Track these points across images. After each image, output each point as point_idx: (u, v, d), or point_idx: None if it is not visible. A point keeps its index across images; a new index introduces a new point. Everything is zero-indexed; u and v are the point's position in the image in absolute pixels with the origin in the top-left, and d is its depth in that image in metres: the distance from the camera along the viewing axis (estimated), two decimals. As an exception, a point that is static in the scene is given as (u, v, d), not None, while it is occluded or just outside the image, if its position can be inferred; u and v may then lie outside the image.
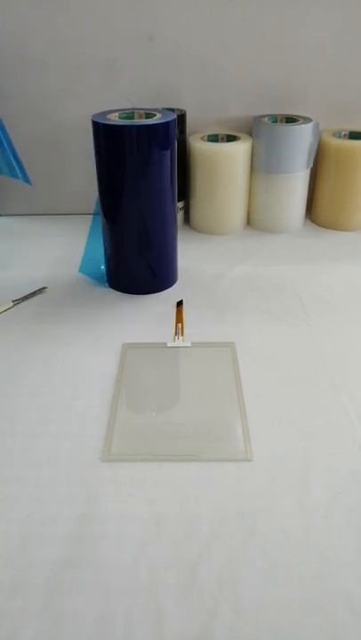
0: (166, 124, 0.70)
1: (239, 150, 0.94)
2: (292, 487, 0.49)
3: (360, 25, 0.93)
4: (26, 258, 0.93)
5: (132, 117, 0.73)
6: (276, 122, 0.97)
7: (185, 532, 0.45)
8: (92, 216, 0.82)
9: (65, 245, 0.95)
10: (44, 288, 0.82)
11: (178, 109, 0.96)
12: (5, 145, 0.83)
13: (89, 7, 0.91)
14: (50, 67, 0.95)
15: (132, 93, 0.95)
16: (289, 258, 0.91)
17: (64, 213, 1.07)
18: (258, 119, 0.96)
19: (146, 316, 0.75)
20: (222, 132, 1.00)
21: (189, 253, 0.90)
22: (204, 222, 1.01)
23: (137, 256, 0.78)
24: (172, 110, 0.92)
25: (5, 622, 0.39)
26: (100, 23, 0.92)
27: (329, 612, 0.40)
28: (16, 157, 0.85)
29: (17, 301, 0.78)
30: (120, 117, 0.72)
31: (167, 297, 0.80)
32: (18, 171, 0.85)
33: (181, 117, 0.95)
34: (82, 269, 0.83)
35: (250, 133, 0.98)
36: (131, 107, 0.79)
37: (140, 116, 0.73)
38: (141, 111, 0.74)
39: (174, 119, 0.71)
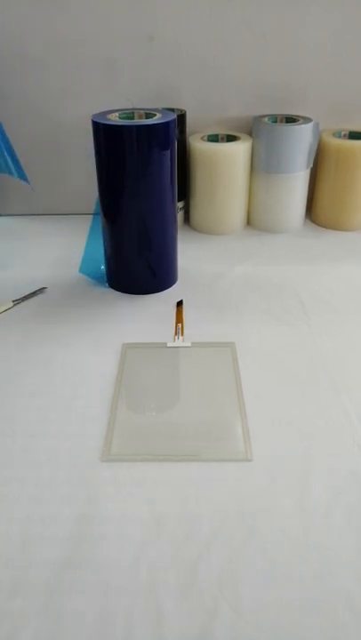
0: (166, 124, 0.70)
1: (239, 150, 0.94)
2: (292, 487, 0.49)
3: (360, 25, 0.93)
4: (26, 258, 0.93)
5: (132, 117, 0.73)
6: (276, 122, 0.97)
7: (185, 532, 0.45)
8: (92, 216, 0.82)
9: (65, 245, 0.95)
10: (44, 288, 0.82)
11: (178, 109, 0.96)
12: (1, 144, 0.83)
13: (89, 7, 0.91)
14: (50, 67, 0.95)
15: (132, 93, 0.95)
16: (289, 258, 0.91)
17: (64, 213, 1.07)
18: (258, 119, 0.96)
19: (146, 315, 0.75)
20: (222, 131, 1.00)
21: (189, 253, 0.90)
22: (204, 222, 1.01)
23: (137, 256, 0.78)
24: (172, 110, 0.92)
25: (5, 622, 0.39)
26: (100, 23, 0.92)
27: (329, 611, 0.40)
28: (12, 155, 0.85)
29: (17, 301, 0.78)
30: (120, 117, 0.72)
31: (167, 297, 0.80)
32: (13, 168, 0.84)
33: (181, 117, 0.95)
34: (82, 269, 0.83)
35: (250, 133, 0.98)
36: (131, 107, 0.79)
37: (140, 116, 0.73)
38: (141, 111, 0.74)
39: (174, 119, 0.71)
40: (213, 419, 0.58)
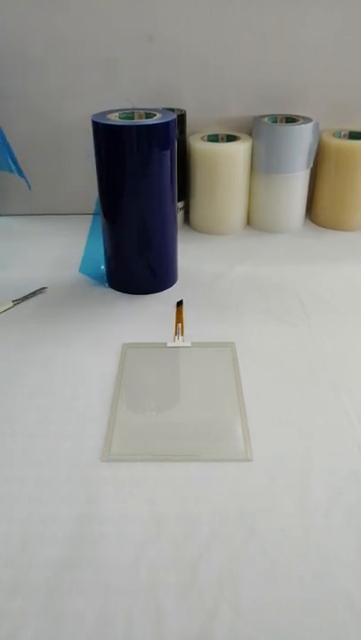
0: (166, 124, 0.70)
1: (239, 150, 0.94)
2: (292, 487, 0.49)
3: (360, 25, 0.93)
4: (26, 258, 0.93)
5: (132, 117, 0.73)
6: (276, 122, 0.97)
7: (185, 532, 0.45)
8: (92, 216, 0.82)
9: (65, 245, 0.95)
10: (44, 288, 0.82)
11: (178, 109, 0.96)
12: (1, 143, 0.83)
13: (89, 7, 0.91)
14: (50, 67, 0.95)
15: (132, 93, 0.95)
16: (289, 258, 0.91)
17: (64, 213, 1.07)
18: (258, 119, 0.96)
19: (146, 315, 0.75)
20: (222, 131, 1.00)
21: (189, 253, 0.90)
22: (204, 222, 1.01)
23: (137, 256, 0.78)
24: (172, 110, 0.92)
25: (5, 622, 0.39)
26: (100, 23, 0.92)
27: (329, 611, 0.40)
28: (12, 156, 0.85)
29: (17, 301, 0.78)
30: (120, 117, 0.72)
31: (167, 297, 0.80)
32: (13, 166, 0.84)
33: (181, 117, 0.95)
34: (82, 269, 0.83)
35: (250, 133, 0.98)
36: (131, 107, 0.79)
37: (140, 116, 0.73)
38: (141, 111, 0.74)
39: (174, 119, 0.71)
40: (213, 419, 0.58)
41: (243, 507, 0.47)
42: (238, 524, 0.46)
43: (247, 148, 0.95)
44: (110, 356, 0.67)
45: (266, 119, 0.96)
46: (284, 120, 0.97)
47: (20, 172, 0.85)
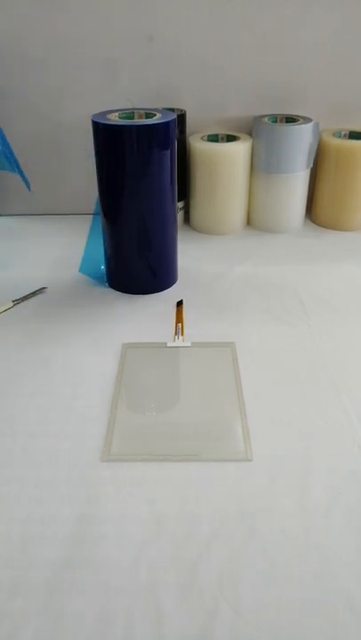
0: (166, 124, 0.70)
1: (239, 150, 0.94)
2: (292, 487, 0.49)
3: (360, 25, 0.93)
4: (26, 258, 0.93)
5: (132, 117, 0.73)
6: (276, 122, 0.97)
7: (185, 531, 0.45)
8: (92, 216, 0.82)
9: (65, 245, 0.95)
10: (43, 288, 0.82)
11: (178, 109, 0.96)
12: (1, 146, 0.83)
13: (89, 7, 0.91)
14: (50, 67, 0.95)
15: (132, 93, 0.95)
16: (289, 258, 0.91)
17: (64, 213, 1.07)
18: (258, 119, 0.96)
19: (146, 315, 0.75)
20: (222, 132, 1.00)
21: (189, 253, 0.90)
22: (204, 222, 1.01)
23: (137, 256, 0.78)
24: (172, 110, 0.92)
25: (5, 622, 0.39)
26: (100, 23, 0.92)
27: (329, 612, 0.40)
28: (12, 156, 0.85)
29: (17, 301, 0.78)
30: (120, 117, 0.72)
31: (167, 297, 0.80)
32: (15, 166, 0.85)
33: (181, 117, 0.95)
34: (82, 269, 0.83)
35: (250, 133, 0.98)
36: (131, 107, 0.79)
37: (140, 116, 0.73)
38: (141, 111, 0.74)
39: (174, 119, 0.71)
40: (213, 419, 0.58)
41: (243, 507, 0.47)
42: (238, 524, 0.46)
43: (247, 148, 0.95)
44: (110, 355, 0.67)
45: (266, 119, 0.96)
46: (284, 120, 0.97)
47: (21, 174, 0.85)
